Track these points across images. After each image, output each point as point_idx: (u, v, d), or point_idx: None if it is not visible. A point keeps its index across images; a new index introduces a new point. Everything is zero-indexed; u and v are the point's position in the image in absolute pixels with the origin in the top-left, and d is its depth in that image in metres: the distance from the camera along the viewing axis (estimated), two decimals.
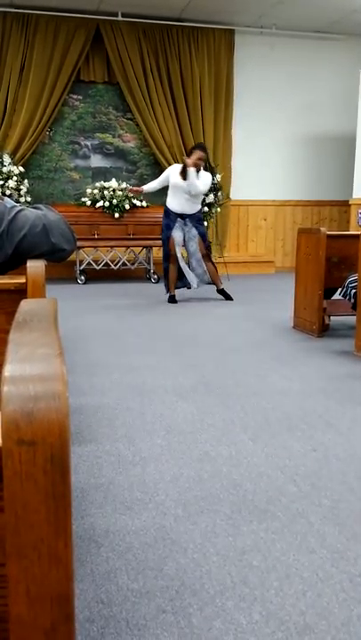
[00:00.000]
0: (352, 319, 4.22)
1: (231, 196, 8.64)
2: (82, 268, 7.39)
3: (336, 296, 4.48)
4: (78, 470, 2.16)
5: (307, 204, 9.16)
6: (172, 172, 5.78)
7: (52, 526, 0.54)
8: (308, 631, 1.35)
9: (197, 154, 5.68)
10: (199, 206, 5.87)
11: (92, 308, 5.59)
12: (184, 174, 5.68)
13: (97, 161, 8.38)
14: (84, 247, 7.30)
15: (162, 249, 6.03)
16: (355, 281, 3.91)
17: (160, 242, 6.18)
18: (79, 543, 1.69)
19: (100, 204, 7.70)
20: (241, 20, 8.25)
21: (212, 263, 5.94)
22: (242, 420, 2.68)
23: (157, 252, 7.51)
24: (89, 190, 7.85)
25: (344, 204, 8.68)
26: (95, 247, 7.44)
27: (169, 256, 5.81)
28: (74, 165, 8.32)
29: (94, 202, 7.74)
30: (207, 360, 3.71)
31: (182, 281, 5.90)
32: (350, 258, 4.19)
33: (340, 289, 4.19)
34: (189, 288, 5.92)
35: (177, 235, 5.74)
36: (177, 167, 5.84)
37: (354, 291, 3.90)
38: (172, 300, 5.83)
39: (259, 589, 1.49)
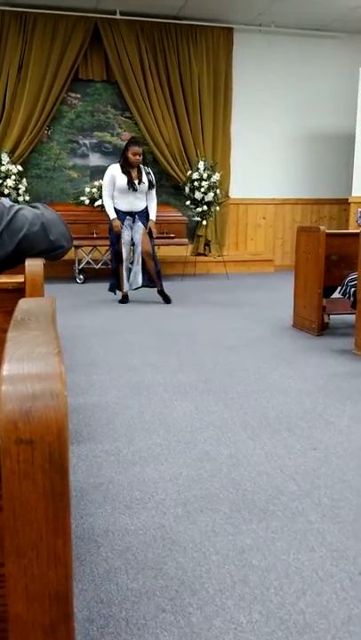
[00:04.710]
0: (351, 317, 4.22)
1: (230, 195, 8.64)
2: (81, 267, 7.38)
3: (336, 294, 4.48)
4: (77, 470, 2.16)
5: (306, 203, 9.16)
6: (116, 175, 5.69)
7: (50, 525, 0.54)
8: (308, 630, 1.34)
9: (133, 149, 5.63)
10: (145, 202, 5.83)
11: (92, 307, 5.59)
12: (130, 175, 5.64)
13: (95, 159, 8.37)
14: (82, 246, 7.29)
15: (110, 249, 6.01)
16: (354, 279, 3.91)
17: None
18: (78, 543, 1.69)
19: (98, 202, 7.68)
20: (240, 17, 8.24)
21: (156, 262, 5.77)
22: (241, 419, 2.68)
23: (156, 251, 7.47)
24: (87, 189, 7.83)
25: (343, 202, 8.67)
26: (94, 246, 7.43)
27: (119, 256, 5.77)
28: (72, 164, 8.30)
29: (93, 201, 7.72)
30: (206, 358, 3.71)
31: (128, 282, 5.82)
32: (350, 256, 4.19)
33: (339, 287, 4.19)
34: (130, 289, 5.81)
35: (125, 234, 5.72)
36: (116, 167, 5.74)
37: (353, 289, 3.90)
38: (125, 299, 5.81)
39: (259, 588, 1.49)
